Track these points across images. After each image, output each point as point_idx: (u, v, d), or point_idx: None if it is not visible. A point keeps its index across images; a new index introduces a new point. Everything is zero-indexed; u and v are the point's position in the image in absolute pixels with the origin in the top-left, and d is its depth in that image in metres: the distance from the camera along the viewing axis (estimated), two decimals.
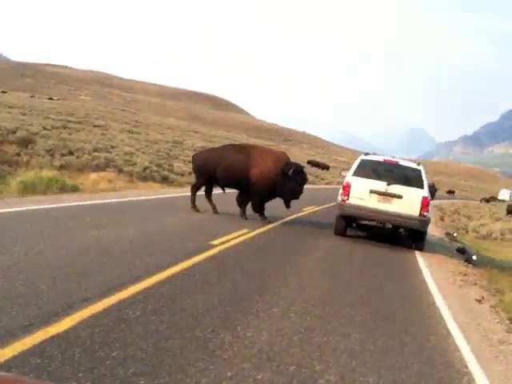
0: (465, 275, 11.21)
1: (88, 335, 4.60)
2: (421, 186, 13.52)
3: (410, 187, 13.44)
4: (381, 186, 13.42)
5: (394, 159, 14.78)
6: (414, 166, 14.36)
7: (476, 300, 9.15)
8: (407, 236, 14.78)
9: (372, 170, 14.02)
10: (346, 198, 13.55)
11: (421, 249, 13.88)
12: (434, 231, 20.13)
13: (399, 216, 13.30)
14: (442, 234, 19.85)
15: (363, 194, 13.43)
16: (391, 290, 8.61)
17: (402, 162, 14.62)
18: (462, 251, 15.01)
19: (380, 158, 14.62)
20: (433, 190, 37.60)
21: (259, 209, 13.88)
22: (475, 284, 10.54)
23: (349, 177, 13.92)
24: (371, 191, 13.42)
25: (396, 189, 13.35)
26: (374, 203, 13.38)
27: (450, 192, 79.09)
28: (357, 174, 13.86)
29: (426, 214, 13.26)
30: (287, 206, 14.01)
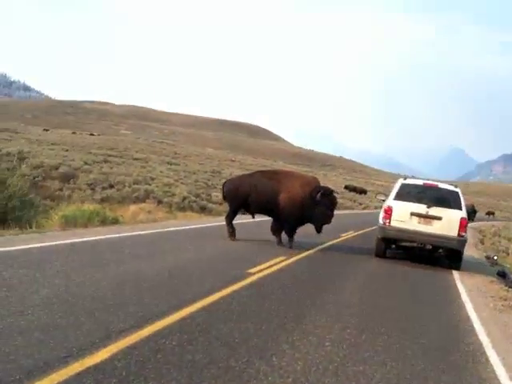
0: (505, 300, 10.92)
1: (124, 366, 4.67)
2: (459, 208, 14.11)
3: (448, 209, 14.06)
4: (421, 208, 14.05)
5: (434, 183, 15.51)
6: (451, 188, 14.85)
7: None
8: (445, 256, 15.02)
9: (412, 193, 14.61)
10: (388, 221, 14.19)
11: (457, 268, 14.38)
12: (473, 254, 19.78)
13: (439, 237, 13.82)
14: (481, 257, 19.43)
15: (404, 216, 14.07)
16: (430, 317, 8.48)
17: (441, 185, 15.09)
18: (502, 275, 14.63)
19: (420, 182, 15.58)
20: (473, 212, 36.75)
21: (291, 233, 13.80)
22: None
23: (390, 201, 14.58)
24: (412, 214, 14.05)
25: (436, 211, 13.97)
26: (415, 225, 13.99)
27: (490, 213, 77.14)
28: (398, 197, 14.48)
29: (463, 234, 13.91)
30: (318, 230, 13.81)
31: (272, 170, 16.33)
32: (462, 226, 13.83)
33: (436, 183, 15.45)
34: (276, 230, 13.97)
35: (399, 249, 15.64)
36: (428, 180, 15.63)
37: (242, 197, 14.01)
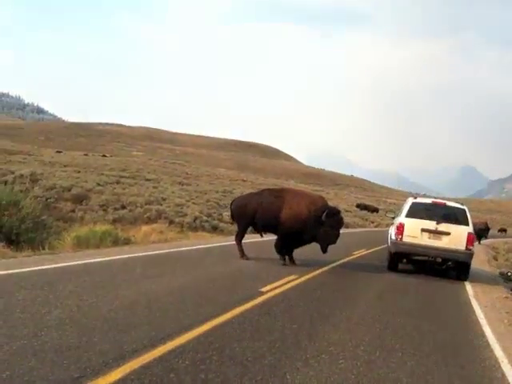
0: None
1: None
2: (466, 224, 15.11)
3: (456, 225, 15.04)
4: (431, 224, 15.02)
5: (442, 201, 16.81)
6: (459, 205, 15.92)
7: None
8: (452, 268, 15.74)
9: (422, 210, 15.54)
10: (400, 236, 15.11)
11: (465, 279, 15.36)
12: (487, 270, 19.61)
13: (448, 250, 14.82)
14: (495, 273, 19.25)
15: (415, 232, 15.03)
16: (443, 333, 8.40)
17: (449, 203, 16.20)
18: None
19: (429, 200, 16.84)
20: (486, 230, 36.53)
21: (280, 248, 13.71)
22: None
23: (402, 218, 15.52)
24: (422, 230, 15.03)
25: (444, 227, 14.95)
26: (426, 240, 14.97)
27: (502, 230, 76.52)
28: (409, 215, 15.40)
29: (471, 247, 14.91)
30: (323, 250, 13.57)
31: (280, 188, 16.28)
32: (470, 240, 14.79)
33: (444, 201, 16.63)
34: (286, 248, 13.92)
35: (410, 263, 16.37)
36: (437, 198, 16.41)
37: (250, 215, 14.01)
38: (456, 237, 14.82)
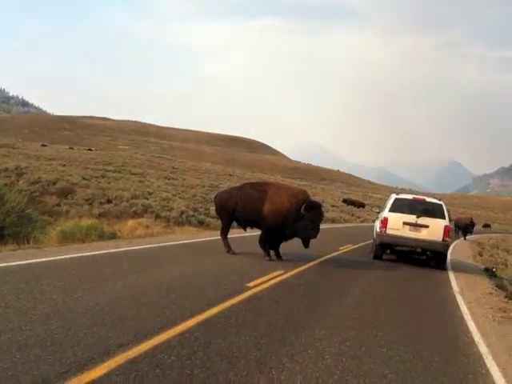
0: (504, 311, 10.87)
1: (122, 381, 4.65)
2: (443, 217, 16.65)
3: (434, 218, 16.59)
4: (411, 218, 16.56)
5: (421, 197, 18.27)
6: (436, 201, 17.68)
7: None
8: (431, 258, 17.64)
9: (404, 206, 17.15)
10: (384, 229, 16.70)
11: (443, 268, 17.00)
12: (472, 266, 19.76)
13: (426, 241, 16.46)
14: (480, 269, 19.41)
15: (398, 225, 16.60)
16: (429, 329, 8.45)
17: (427, 199, 17.87)
18: (501, 287, 14.65)
19: (410, 197, 18.36)
20: (471, 225, 36.86)
21: (264, 243, 13.65)
22: None
23: (386, 212, 17.10)
24: (404, 223, 16.58)
25: (423, 220, 16.47)
26: (407, 232, 16.52)
27: (486, 225, 77.85)
28: (392, 209, 16.98)
29: (447, 239, 16.57)
30: (304, 245, 13.44)
31: (262, 182, 16.17)
32: (446, 232, 16.33)
33: (423, 197, 18.20)
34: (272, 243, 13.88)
35: (393, 253, 18.23)
36: (423, 194, 17.33)
37: (231, 209, 14.03)
38: (434, 229, 16.36)
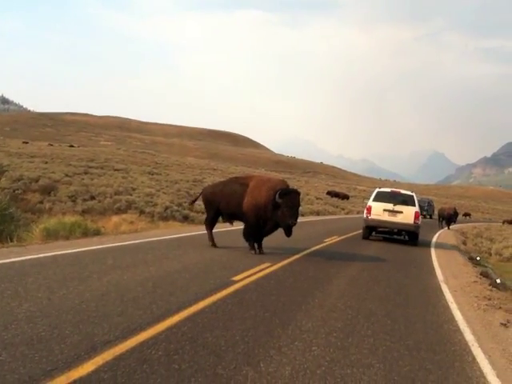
0: (489, 299, 11.00)
1: (110, 377, 4.63)
2: (414, 205, 21.19)
3: (407, 206, 21.09)
4: (390, 206, 21.10)
5: (397, 190, 23.08)
6: (409, 193, 22.28)
7: (501, 324, 8.98)
8: (407, 235, 22.05)
9: (384, 196, 21.73)
10: (369, 214, 21.34)
11: (415, 244, 21.38)
12: (456, 256, 19.92)
13: (401, 224, 21.00)
14: (464, 258, 19.58)
15: (379, 212, 21.13)
16: (415, 318, 8.51)
17: (402, 191, 22.55)
18: (485, 275, 14.80)
19: (388, 190, 23.13)
20: (454, 215, 37.29)
21: (247, 237, 13.61)
22: (500, 308, 10.31)
23: (370, 202, 21.85)
24: (384, 210, 21.07)
25: (399, 207, 20.97)
26: (386, 217, 21.06)
27: (466, 215, 79.95)
28: (375, 200, 21.68)
29: (417, 222, 20.95)
30: (286, 234, 13.17)
31: (245, 176, 16.15)
32: (416, 216, 20.79)
33: (399, 190, 22.98)
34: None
35: (377, 233, 22.50)
36: (400, 186, 20.67)
37: (215, 203, 14.10)
38: (406, 214, 20.79)
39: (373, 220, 21.18)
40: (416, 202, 21.49)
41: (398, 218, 20.77)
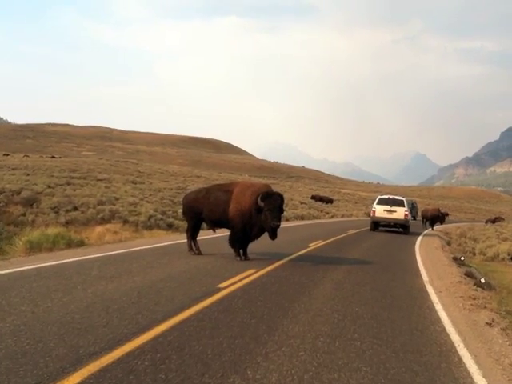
0: (474, 299, 11.07)
1: None
2: (404, 206, 31.05)
3: (399, 207, 30.88)
4: (387, 207, 30.82)
5: (393, 196, 33.33)
6: (401, 198, 32.28)
7: (487, 324, 9.04)
8: (401, 227, 31.50)
9: (384, 201, 31.52)
10: (374, 214, 31.28)
11: (406, 233, 30.99)
12: (441, 256, 20.03)
13: (396, 219, 30.86)
14: (449, 258, 19.70)
15: (381, 211, 30.97)
16: (401, 320, 8.53)
17: (396, 197, 32.59)
18: (470, 275, 14.90)
19: (386, 196, 33.14)
20: (438, 216, 38.02)
21: (233, 243, 13.60)
22: (485, 307, 10.40)
23: (374, 205, 31.66)
24: (384, 210, 30.84)
25: (394, 208, 30.77)
26: (386, 215, 30.87)
27: (446, 214, 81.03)
28: (378, 203, 31.35)
29: (407, 218, 31.04)
30: (271, 237, 13.14)
31: (229, 183, 16.04)
32: (405, 214, 30.83)
33: (394, 196, 33.06)
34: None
35: (381, 227, 31.67)
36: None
37: (198, 210, 14.06)
38: (399, 213, 30.68)
39: (377, 217, 31.01)
40: (406, 204, 31.45)
41: (394, 215, 30.63)
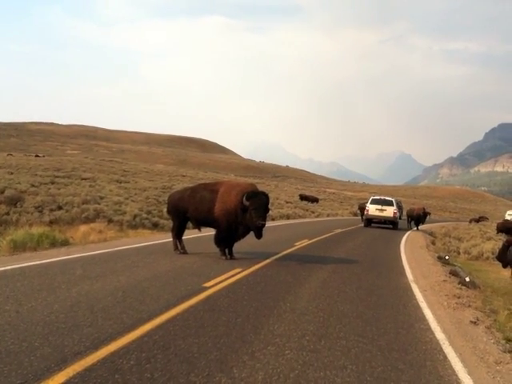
0: (459, 298, 11.16)
1: None
2: (393, 206, 36.00)
3: (389, 206, 35.80)
4: (379, 206, 35.69)
5: (383, 197, 38.56)
6: (390, 198, 37.86)
7: (471, 322, 9.12)
8: (390, 224, 36.21)
9: (376, 201, 36.46)
10: (367, 212, 36.06)
11: (395, 229, 35.45)
12: (426, 255, 20.16)
13: (386, 217, 35.77)
14: (433, 257, 19.81)
15: (373, 210, 35.76)
16: (386, 319, 8.57)
17: (386, 198, 37.81)
18: (454, 274, 15.00)
19: (378, 197, 38.28)
20: (423, 216, 38.56)
21: (219, 242, 13.61)
22: (469, 306, 10.50)
23: (368, 204, 36.69)
24: (376, 209, 35.71)
25: (384, 207, 35.63)
26: (377, 213, 35.67)
27: (427, 213, 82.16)
28: (371, 203, 36.28)
29: (396, 216, 35.85)
30: (256, 236, 13.18)
31: (214, 182, 15.97)
32: (394, 213, 35.59)
33: (385, 197, 38.47)
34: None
35: (374, 223, 36.48)
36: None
37: (182, 209, 14.02)
38: (389, 211, 35.55)
39: (370, 215, 35.87)
40: (395, 203, 36.75)
41: (384, 214, 35.60)
